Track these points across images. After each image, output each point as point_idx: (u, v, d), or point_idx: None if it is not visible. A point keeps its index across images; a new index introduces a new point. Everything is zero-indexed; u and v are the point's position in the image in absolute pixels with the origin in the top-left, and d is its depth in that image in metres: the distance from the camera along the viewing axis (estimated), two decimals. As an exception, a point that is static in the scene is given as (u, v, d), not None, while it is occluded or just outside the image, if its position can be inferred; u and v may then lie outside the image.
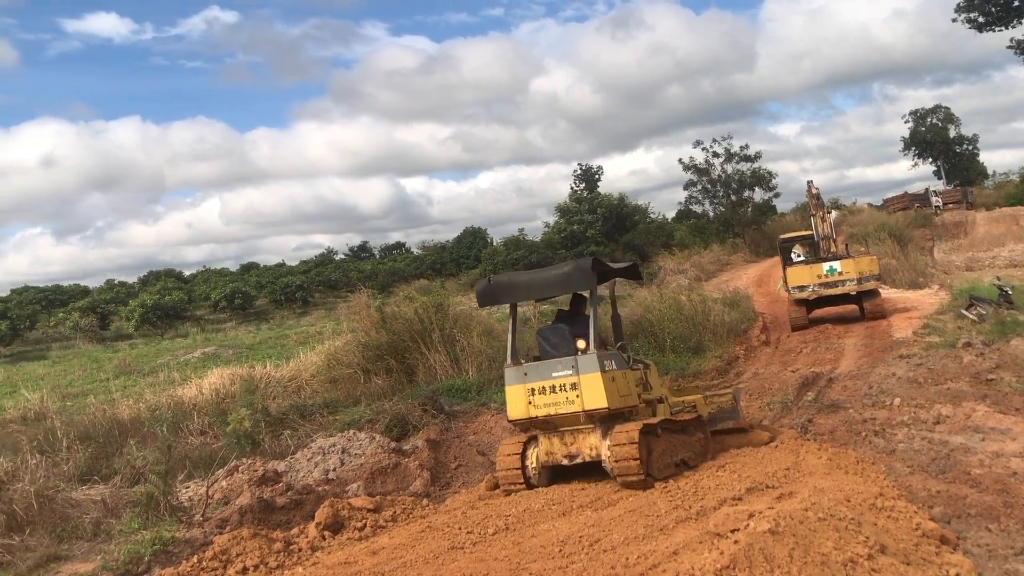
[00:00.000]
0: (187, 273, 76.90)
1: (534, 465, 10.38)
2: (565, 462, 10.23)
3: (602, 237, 53.61)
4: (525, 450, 10.49)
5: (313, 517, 9.54)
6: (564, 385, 9.97)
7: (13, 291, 67.66)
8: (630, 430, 9.68)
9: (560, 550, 7.42)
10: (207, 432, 15.43)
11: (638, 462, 9.44)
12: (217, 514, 10.56)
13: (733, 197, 58.54)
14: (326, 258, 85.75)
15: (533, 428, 10.43)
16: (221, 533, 9.34)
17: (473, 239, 70.11)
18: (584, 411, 9.85)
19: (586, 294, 10.69)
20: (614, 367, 10.09)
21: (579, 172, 61.15)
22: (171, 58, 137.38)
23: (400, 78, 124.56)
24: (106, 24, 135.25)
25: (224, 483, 11.79)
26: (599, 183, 60.53)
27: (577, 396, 9.86)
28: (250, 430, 13.97)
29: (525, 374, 10.19)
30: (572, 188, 60.60)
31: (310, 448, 12.97)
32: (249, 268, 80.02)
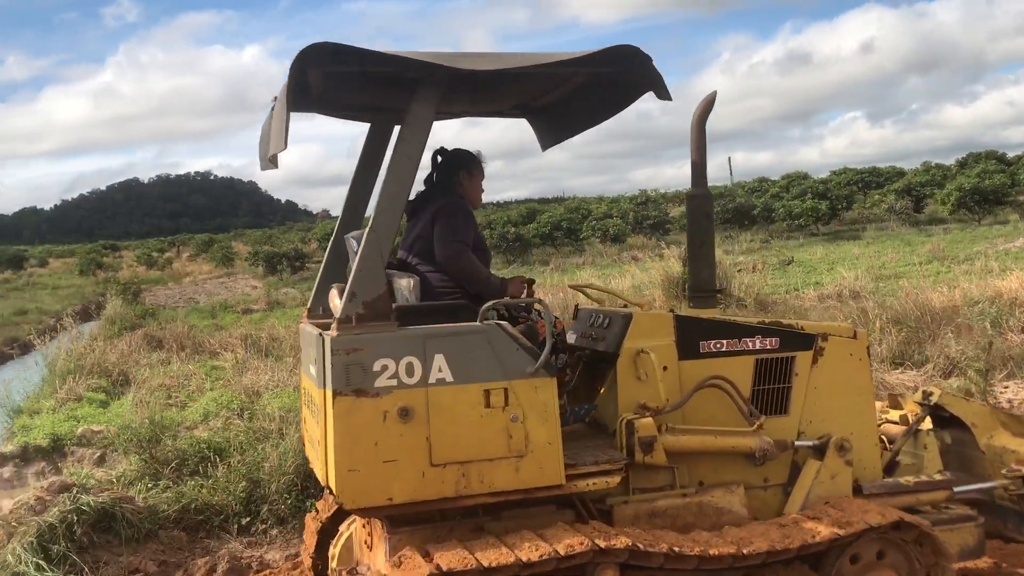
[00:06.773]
0: (1009, 155, 71.16)
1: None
2: None
3: None
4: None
5: None
6: (314, 405, 4.19)
7: (832, 172, 71.45)
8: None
9: None
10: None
11: None
12: None
13: None
14: None
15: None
16: None
17: None
18: (328, 488, 4.19)
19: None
20: (420, 375, 3.83)
21: None
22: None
23: None
24: None
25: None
26: None
27: (320, 442, 4.05)
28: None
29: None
30: None
31: None
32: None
